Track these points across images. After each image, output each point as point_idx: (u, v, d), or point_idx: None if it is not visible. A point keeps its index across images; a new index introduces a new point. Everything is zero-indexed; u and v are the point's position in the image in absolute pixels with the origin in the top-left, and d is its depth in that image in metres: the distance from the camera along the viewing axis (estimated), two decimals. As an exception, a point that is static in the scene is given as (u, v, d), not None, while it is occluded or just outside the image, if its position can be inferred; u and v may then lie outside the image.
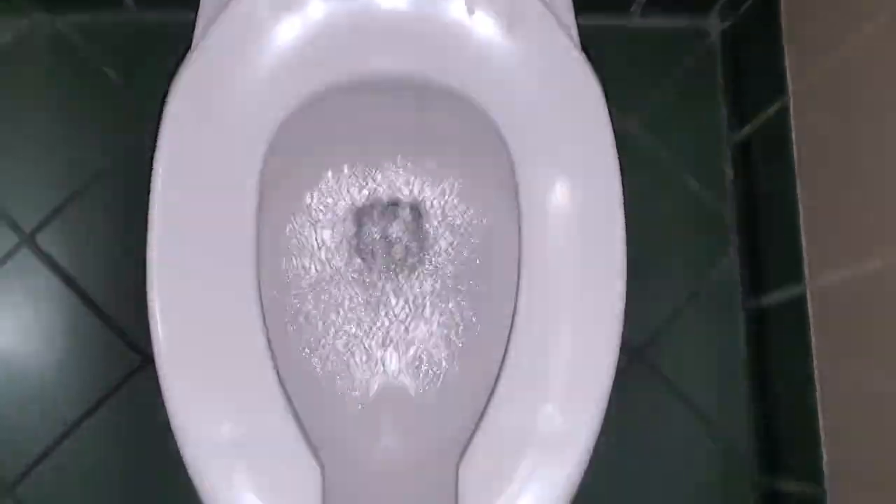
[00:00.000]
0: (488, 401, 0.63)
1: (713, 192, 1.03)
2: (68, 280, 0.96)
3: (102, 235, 0.98)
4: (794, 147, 0.88)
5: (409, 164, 0.81)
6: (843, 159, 0.80)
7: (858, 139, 0.77)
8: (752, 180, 0.99)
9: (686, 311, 1.00)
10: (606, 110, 0.68)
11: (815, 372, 0.84)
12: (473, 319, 0.80)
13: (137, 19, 1.01)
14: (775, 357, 0.94)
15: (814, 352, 0.84)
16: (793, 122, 0.89)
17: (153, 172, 0.66)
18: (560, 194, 0.67)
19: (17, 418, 0.93)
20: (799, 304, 0.87)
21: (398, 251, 0.83)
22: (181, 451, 0.62)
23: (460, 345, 0.80)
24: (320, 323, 0.80)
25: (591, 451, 0.63)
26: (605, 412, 0.63)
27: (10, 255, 0.96)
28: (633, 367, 0.99)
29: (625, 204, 0.70)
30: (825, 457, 0.83)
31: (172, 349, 0.62)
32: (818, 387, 0.84)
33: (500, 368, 0.64)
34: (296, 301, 0.80)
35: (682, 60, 1.05)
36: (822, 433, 0.84)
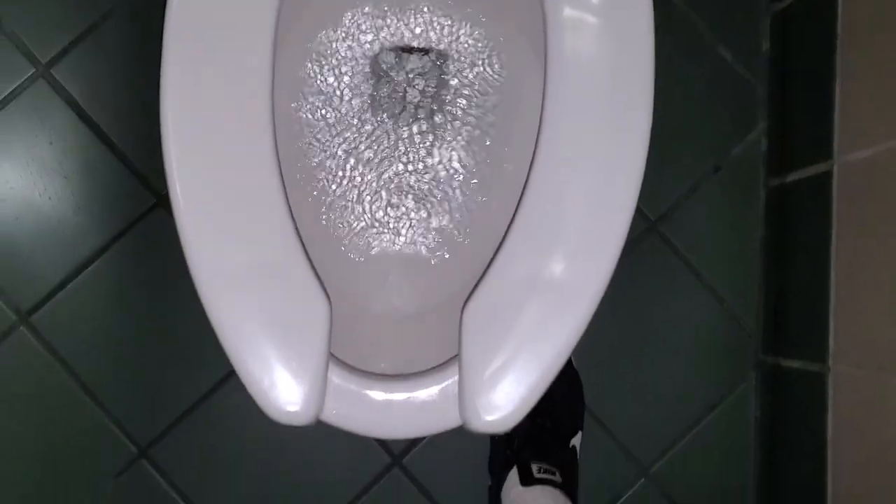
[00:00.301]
0: (498, 249, 0.63)
1: (747, 64, 0.99)
2: (83, 115, 0.95)
3: (119, 70, 0.96)
4: (839, 18, 0.84)
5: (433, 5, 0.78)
6: (888, 34, 0.77)
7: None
8: (789, 54, 0.95)
9: (706, 186, 0.99)
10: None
11: (833, 249, 0.83)
12: (490, 174, 0.79)
13: None
14: (793, 235, 0.93)
15: (834, 229, 0.83)
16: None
17: (167, 6, 0.64)
18: (590, 44, 0.64)
19: (32, 250, 0.94)
20: (825, 180, 0.85)
21: (416, 97, 0.81)
22: (194, 282, 0.62)
23: (475, 199, 0.79)
24: (332, 169, 0.79)
25: (597, 304, 0.62)
26: (614, 268, 0.62)
27: (25, 86, 0.95)
28: (647, 238, 0.98)
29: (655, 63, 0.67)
30: (832, 335, 0.83)
31: (186, 183, 0.61)
32: (834, 265, 0.83)
33: (513, 218, 0.63)
34: (308, 146, 0.79)
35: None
36: (831, 314, 0.84)
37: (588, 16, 0.64)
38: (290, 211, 0.63)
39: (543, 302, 0.62)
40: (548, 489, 0.85)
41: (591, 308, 0.62)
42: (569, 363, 0.94)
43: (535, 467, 0.86)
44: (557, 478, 0.86)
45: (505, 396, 0.61)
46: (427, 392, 0.63)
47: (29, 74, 0.95)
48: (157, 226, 0.95)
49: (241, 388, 0.92)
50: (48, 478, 0.94)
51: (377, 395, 0.63)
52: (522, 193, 0.63)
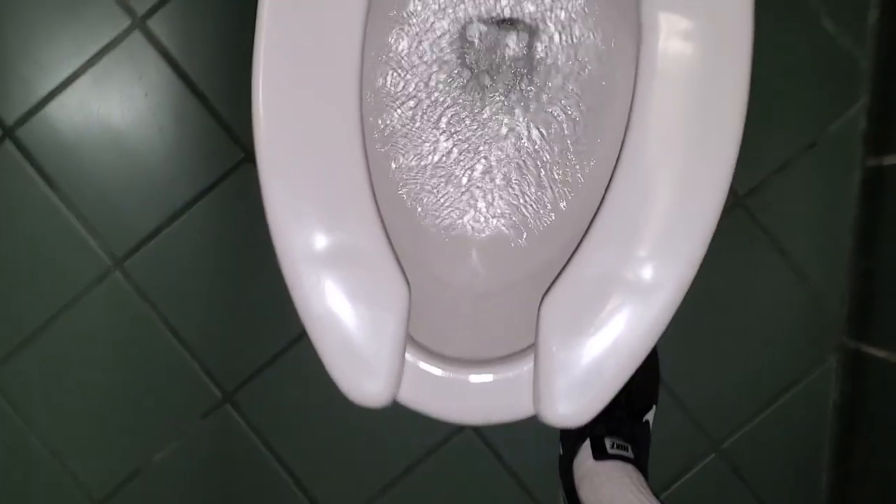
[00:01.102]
0: (581, 240, 0.62)
1: (851, 36, 0.94)
2: (177, 68, 0.97)
3: (214, 26, 0.97)
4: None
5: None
6: None
7: None
8: (899, 28, 0.91)
9: (799, 162, 0.95)
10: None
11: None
12: (579, 157, 0.78)
13: None
14: (888, 219, 0.90)
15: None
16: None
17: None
18: (686, 30, 0.62)
19: (126, 199, 0.98)
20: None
21: (505, 72, 0.80)
22: (278, 259, 0.64)
23: (563, 181, 0.79)
24: (416, 145, 0.79)
25: (679, 302, 0.62)
26: (699, 265, 0.62)
27: (121, 37, 0.97)
28: (733, 213, 0.96)
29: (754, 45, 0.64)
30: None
31: (273, 155, 0.62)
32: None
33: (598, 209, 0.62)
34: (392, 121, 0.79)
35: None
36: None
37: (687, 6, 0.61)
38: (373, 189, 0.63)
39: (625, 298, 0.61)
40: (620, 464, 0.86)
41: (672, 307, 0.61)
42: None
43: (608, 442, 0.87)
44: (630, 453, 0.87)
45: (580, 391, 0.61)
46: (502, 380, 0.63)
47: (125, 26, 0.97)
48: (245, 180, 0.97)
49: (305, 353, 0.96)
50: (137, 418, 0.99)
51: (452, 379, 0.64)
52: (609, 182, 0.63)
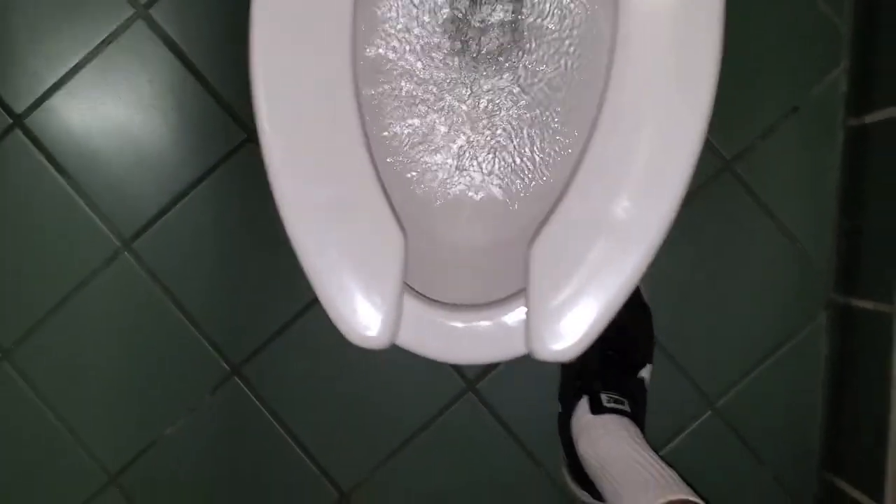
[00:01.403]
0: (564, 189, 0.65)
1: (831, 3, 0.98)
2: (180, 54, 1.00)
3: (214, 13, 1.01)
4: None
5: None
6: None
7: None
8: (875, -8, 0.94)
9: (784, 126, 0.98)
10: None
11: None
12: (566, 118, 0.81)
13: None
14: (870, 176, 0.92)
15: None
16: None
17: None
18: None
19: (133, 181, 1.01)
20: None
21: (492, 39, 0.83)
22: (279, 213, 0.66)
23: (550, 142, 0.82)
24: (406, 113, 0.82)
25: (661, 241, 0.65)
26: (678, 206, 0.64)
27: (124, 26, 1.00)
28: (721, 177, 0.99)
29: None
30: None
31: (272, 115, 0.66)
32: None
33: (579, 160, 0.65)
34: (382, 90, 0.82)
35: None
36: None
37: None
38: (370, 149, 0.67)
39: (609, 238, 0.64)
40: (616, 417, 0.89)
41: (655, 244, 0.64)
42: (639, 296, 0.97)
43: (604, 397, 0.90)
44: (626, 407, 0.90)
45: (569, 327, 0.64)
46: (496, 320, 0.66)
47: (128, 15, 1.00)
48: (247, 160, 1.01)
49: (324, 314, 0.99)
50: (147, 393, 1.02)
51: (448, 321, 0.67)
52: (590, 134, 0.66)
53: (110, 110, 1.01)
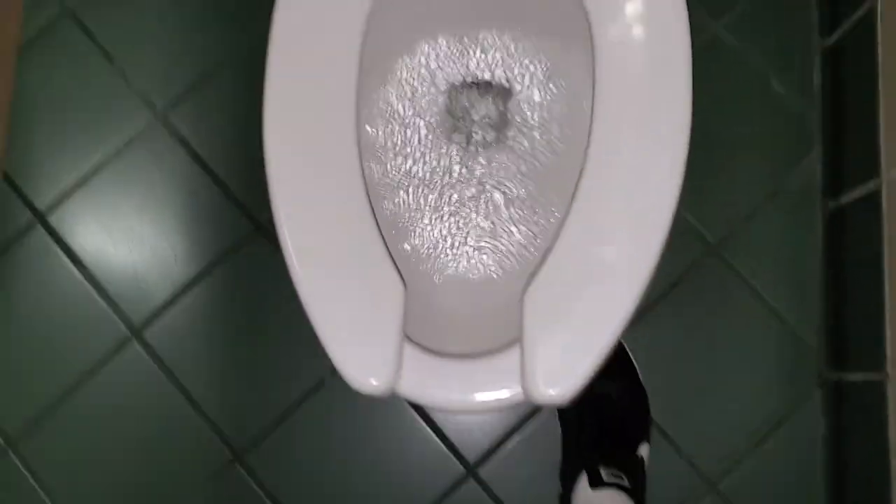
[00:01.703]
0: (554, 239, 0.70)
1: (800, 96, 1.05)
2: (192, 152, 1.07)
3: (225, 115, 1.08)
4: (880, 47, 0.90)
5: (497, 39, 0.88)
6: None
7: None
8: (840, 85, 1.01)
9: (765, 210, 1.04)
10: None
11: (886, 260, 0.87)
12: (548, 194, 0.86)
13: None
14: (850, 252, 0.97)
15: (885, 240, 0.87)
16: (879, 23, 0.91)
17: (269, 41, 0.74)
18: (633, 56, 0.72)
19: (144, 272, 1.06)
20: (874, 197, 0.90)
21: (483, 128, 0.90)
22: (286, 262, 0.70)
23: (536, 220, 0.87)
24: (400, 189, 0.88)
25: (645, 286, 0.68)
26: (659, 253, 0.68)
27: (144, 130, 1.08)
28: (708, 261, 1.03)
29: (693, 71, 0.73)
30: (888, 341, 0.86)
31: (280, 168, 0.71)
32: (887, 275, 0.87)
33: (567, 212, 0.70)
34: (379, 167, 0.88)
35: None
36: (887, 323, 0.87)
37: (629, 37, 0.71)
38: (372, 208, 0.71)
39: (598, 282, 0.68)
40: (615, 492, 0.89)
41: (641, 286, 0.67)
42: (635, 376, 0.99)
43: (603, 472, 0.90)
44: (625, 482, 0.90)
45: (563, 369, 0.67)
46: (493, 368, 0.69)
47: (148, 120, 1.08)
48: (255, 251, 1.06)
49: (325, 401, 1.01)
50: (152, 476, 1.02)
51: (447, 370, 0.69)
52: (575, 191, 0.70)
53: (127, 207, 1.07)
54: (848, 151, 0.98)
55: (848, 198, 0.97)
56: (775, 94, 1.06)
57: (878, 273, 0.88)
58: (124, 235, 1.06)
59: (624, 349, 0.99)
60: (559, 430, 0.98)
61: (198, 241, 1.06)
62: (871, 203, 0.90)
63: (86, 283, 1.05)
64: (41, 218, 1.07)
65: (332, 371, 1.00)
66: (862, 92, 0.94)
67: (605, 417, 0.95)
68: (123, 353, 1.04)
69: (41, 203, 1.07)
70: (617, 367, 0.98)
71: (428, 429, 1.01)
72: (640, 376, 0.99)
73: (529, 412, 1.01)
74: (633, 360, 0.98)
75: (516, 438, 1.00)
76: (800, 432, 1.00)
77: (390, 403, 1.02)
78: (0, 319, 1.05)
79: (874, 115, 0.90)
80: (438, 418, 1.01)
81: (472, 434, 1.01)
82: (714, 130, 1.04)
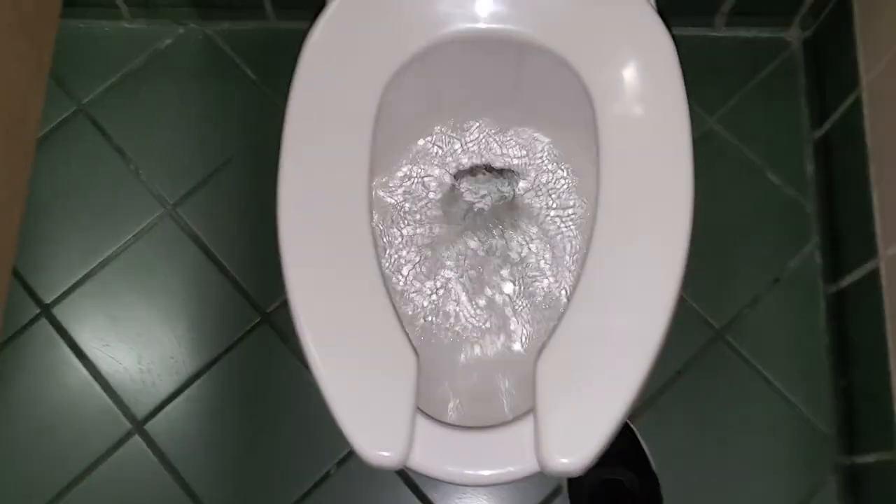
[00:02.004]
0: (565, 309, 0.70)
1: (795, 186, 1.08)
2: (201, 245, 1.09)
3: (233, 209, 1.11)
4: (867, 133, 0.94)
5: (504, 131, 0.91)
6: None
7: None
8: (832, 173, 1.04)
9: (767, 296, 1.05)
10: (679, 67, 0.75)
11: (890, 337, 0.88)
12: (555, 272, 0.88)
13: (276, 27, 1.17)
14: (854, 334, 0.97)
15: (887, 316, 0.88)
16: (865, 110, 0.95)
17: (286, 113, 0.77)
18: (635, 133, 0.74)
19: (149, 363, 1.05)
20: (873, 277, 0.91)
21: (489, 210, 0.92)
22: (298, 335, 0.70)
23: (543, 302, 0.88)
24: (410, 276, 0.89)
25: (656, 354, 0.68)
26: (672, 318, 0.69)
27: (154, 223, 1.10)
28: (714, 347, 1.03)
29: (694, 154, 0.75)
30: (898, 419, 0.86)
31: (293, 243, 0.72)
32: (892, 353, 0.87)
33: (576, 284, 0.71)
34: (388, 258, 0.89)
35: (765, 66, 1.13)
36: (895, 398, 0.87)
37: (632, 125, 0.74)
38: (385, 282, 0.72)
39: (608, 353, 0.68)
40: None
41: (651, 356, 0.68)
42: (647, 465, 0.97)
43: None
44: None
45: (577, 438, 0.66)
46: (506, 440, 0.68)
47: (158, 214, 1.10)
48: (261, 342, 1.06)
49: (331, 492, 0.99)
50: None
51: (459, 443, 0.68)
52: (584, 260, 0.71)
53: (133, 298, 1.07)
54: (845, 235, 1.00)
55: (848, 280, 0.98)
56: (771, 184, 1.09)
57: (883, 351, 0.88)
58: (130, 327, 1.06)
59: (636, 437, 0.98)
60: (571, 519, 0.96)
61: (204, 332, 1.06)
62: (871, 282, 0.92)
63: (88, 375, 1.05)
64: (46, 310, 1.07)
65: (339, 462, 1.00)
66: (854, 177, 0.97)
67: (620, 507, 0.93)
68: (126, 447, 1.03)
69: (47, 296, 1.08)
70: (630, 454, 0.96)
71: (435, 522, 0.99)
72: (653, 465, 0.98)
73: (542, 501, 0.99)
74: (646, 448, 0.97)
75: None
76: (817, 521, 0.98)
77: (396, 492, 1.00)
78: (2, 412, 1.04)
79: (867, 196, 0.93)
80: (446, 510, 0.99)
81: (481, 527, 0.99)
82: (713, 221, 1.07)
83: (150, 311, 1.07)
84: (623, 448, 0.96)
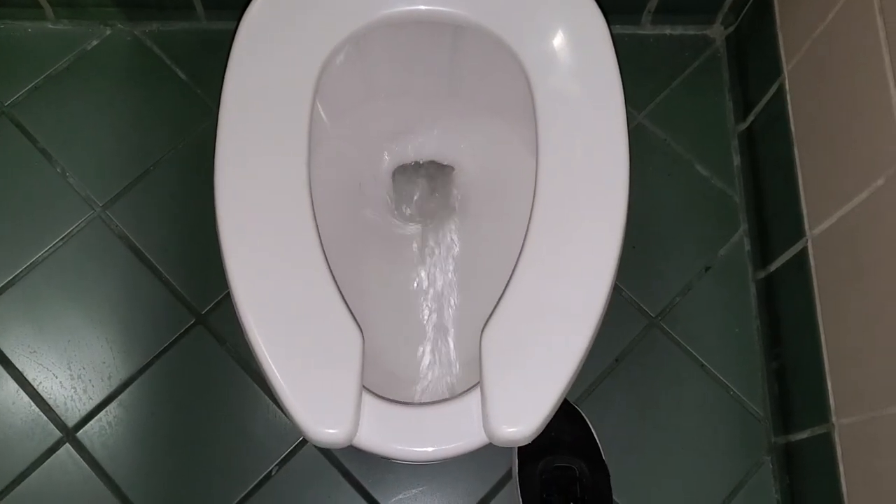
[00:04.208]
0: (508, 283, 0.71)
1: (722, 177, 1.12)
2: (133, 247, 1.06)
3: (165, 210, 1.08)
4: (792, 119, 0.98)
5: (440, 120, 0.92)
6: (830, 119, 0.89)
7: (841, 98, 0.87)
8: (758, 163, 1.08)
9: (700, 283, 1.07)
10: (611, 42, 0.77)
11: (818, 310, 0.90)
12: (496, 257, 0.88)
13: (207, 28, 1.16)
14: (784, 316, 1.00)
15: (815, 292, 0.91)
16: (789, 97, 0.98)
17: (221, 96, 0.76)
18: (573, 123, 0.75)
19: (80, 370, 1.02)
20: (802, 256, 0.94)
21: (428, 201, 0.92)
22: (239, 317, 0.69)
23: (483, 284, 0.88)
24: (351, 267, 0.88)
25: (598, 323, 0.69)
26: (611, 290, 0.70)
27: (82, 226, 1.07)
28: (650, 334, 1.05)
29: (629, 137, 0.77)
30: (830, 392, 0.88)
31: (232, 224, 0.71)
32: (822, 324, 0.90)
33: (518, 259, 0.71)
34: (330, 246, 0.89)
35: (690, 63, 1.16)
36: (826, 371, 0.89)
37: (568, 100, 0.76)
38: (326, 259, 0.71)
39: (552, 324, 0.69)
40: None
41: (593, 326, 0.68)
42: (598, 454, 0.97)
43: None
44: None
45: (523, 408, 0.66)
46: (453, 414, 0.68)
47: (87, 215, 1.07)
48: (196, 344, 1.03)
49: (271, 494, 0.97)
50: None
51: (407, 419, 0.68)
52: (525, 236, 0.72)
53: (63, 304, 1.04)
54: (772, 221, 1.04)
55: (776, 264, 1.01)
56: (700, 176, 1.12)
57: (814, 327, 0.91)
58: (59, 333, 1.03)
59: (587, 426, 0.98)
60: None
61: (137, 336, 1.03)
62: (800, 262, 0.95)
63: (13, 382, 1.01)
64: (-31, 319, 1.03)
65: (280, 462, 0.98)
66: (780, 163, 1.01)
67: (569, 495, 0.93)
68: (56, 456, 0.99)
69: (-29, 302, 1.04)
70: (581, 443, 0.97)
71: (380, 519, 0.98)
72: (603, 454, 0.98)
73: (490, 490, 0.99)
74: (597, 438, 0.98)
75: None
76: (755, 500, 1.00)
77: (340, 490, 0.98)
78: (-78, 423, 0.99)
79: (794, 180, 0.96)
80: (391, 507, 0.98)
81: (427, 521, 0.98)
82: (645, 213, 1.09)
83: (80, 315, 1.04)
84: (575, 437, 0.97)
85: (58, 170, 1.09)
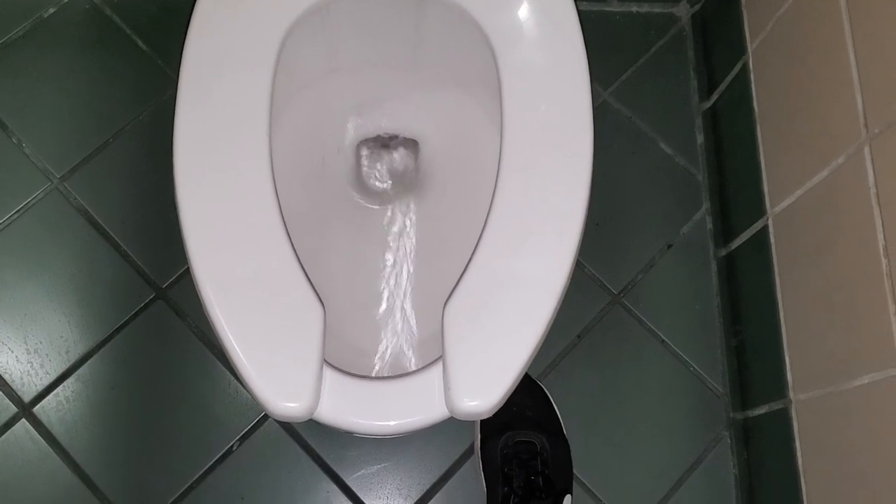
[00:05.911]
0: (471, 256, 0.70)
1: (686, 156, 1.12)
2: (91, 220, 1.04)
3: (124, 182, 1.06)
4: (755, 98, 0.98)
5: (404, 95, 0.91)
6: (792, 98, 0.90)
7: (803, 77, 0.87)
8: (721, 141, 1.09)
9: (662, 261, 1.08)
10: (575, 12, 0.77)
11: (777, 286, 0.91)
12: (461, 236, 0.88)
13: (166, -5, 1.14)
14: (744, 293, 1.01)
15: (775, 270, 0.92)
16: (752, 76, 0.99)
17: (181, 64, 0.74)
18: (538, 95, 0.75)
19: (37, 344, 1.00)
20: (763, 234, 0.95)
21: (392, 174, 0.92)
22: (199, 294, 0.68)
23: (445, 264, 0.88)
24: (317, 245, 0.88)
25: (560, 298, 0.69)
26: (574, 262, 0.70)
27: (39, 198, 1.05)
28: (612, 311, 1.06)
29: (593, 111, 0.77)
30: (788, 368, 0.90)
31: (190, 196, 0.70)
32: (781, 301, 0.91)
33: (482, 232, 0.71)
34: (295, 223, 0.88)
35: (656, 41, 1.17)
36: (785, 347, 0.90)
37: (532, 70, 0.75)
38: (287, 231, 0.70)
39: (514, 297, 0.69)
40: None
41: (556, 299, 0.68)
42: (558, 428, 0.98)
43: (529, 522, 0.89)
44: (551, 534, 0.89)
45: (485, 381, 0.66)
46: (415, 387, 0.68)
47: (44, 187, 1.05)
48: (156, 318, 1.02)
49: (232, 469, 0.97)
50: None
51: (368, 393, 0.68)
52: (488, 211, 0.72)
53: (19, 277, 1.02)
54: (734, 200, 1.04)
55: (738, 242, 1.02)
56: (664, 154, 1.12)
57: (773, 304, 0.92)
58: (15, 306, 1.01)
59: (549, 401, 0.99)
60: (483, 485, 0.96)
61: (95, 310, 1.02)
62: (761, 240, 0.96)
63: (-30, 358, 0.99)
64: (-75, 293, 1.01)
65: (242, 438, 0.98)
66: (742, 141, 1.01)
67: (530, 469, 0.93)
68: (12, 432, 0.97)
69: (-76, 276, 1.01)
70: (543, 418, 0.97)
71: (344, 495, 0.98)
72: (564, 428, 0.99)
73: (452, 465, 0.99)
74: (558, 413, 0.98)
75: (440, 496, 0.98)
76: (713, 474, 1.01)
77: (301, 465, 0.98)
78: None
79: (756, 159, 0.97)
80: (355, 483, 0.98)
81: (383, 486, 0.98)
82: (609, 190, 1.09)
83: (37, 289, 1.02)
84: (536, 412, 0.97)
85: (14, 140, 1.07)
